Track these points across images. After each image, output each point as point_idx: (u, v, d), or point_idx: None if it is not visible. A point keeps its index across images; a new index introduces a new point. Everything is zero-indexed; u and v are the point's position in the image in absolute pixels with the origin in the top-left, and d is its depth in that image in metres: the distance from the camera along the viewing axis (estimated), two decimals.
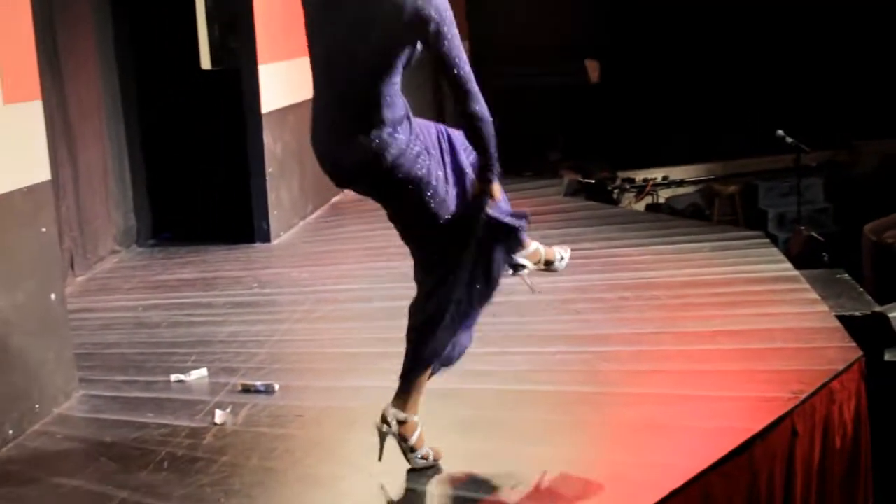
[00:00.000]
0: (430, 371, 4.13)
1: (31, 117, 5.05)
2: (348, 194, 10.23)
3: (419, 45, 3.61)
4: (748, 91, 12.40)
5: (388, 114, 3.63)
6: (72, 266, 7.51)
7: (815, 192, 12.46)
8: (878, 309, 6.31)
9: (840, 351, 5.19)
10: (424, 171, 3.73)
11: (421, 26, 3.50)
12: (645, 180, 12.45)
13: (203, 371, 5.46)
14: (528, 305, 5.93)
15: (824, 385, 4.79)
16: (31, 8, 5.10)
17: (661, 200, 12.58)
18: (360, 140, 3.63)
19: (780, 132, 10.15)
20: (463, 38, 3.81)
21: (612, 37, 12.64)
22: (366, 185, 3.89)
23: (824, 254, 9.18)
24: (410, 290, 6.53)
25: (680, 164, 12.51)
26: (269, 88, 8.50)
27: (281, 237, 8.63)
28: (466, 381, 4.74)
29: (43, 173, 5.10)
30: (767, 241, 7.85)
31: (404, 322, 5.97)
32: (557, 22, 12.12)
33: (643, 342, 5.58)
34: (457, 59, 3.56)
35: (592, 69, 12.74)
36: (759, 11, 12.34)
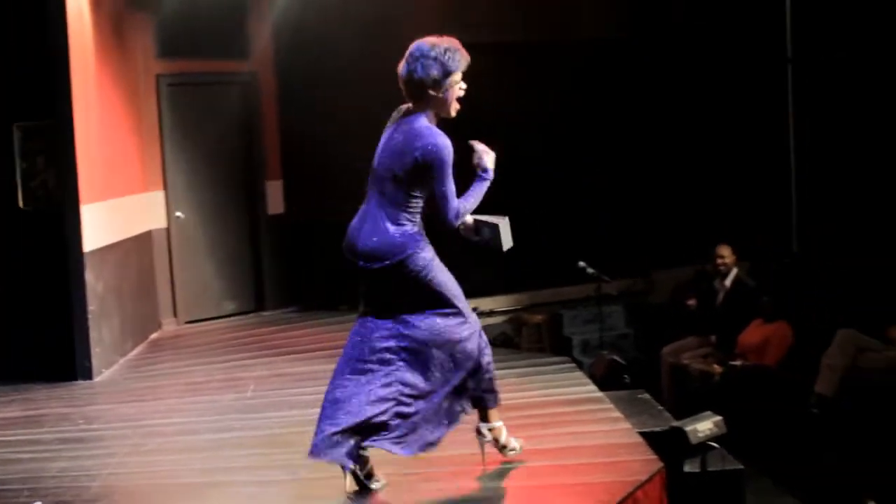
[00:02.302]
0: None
1: None
2: (165, 331, 10.33)
3: None
4: (551, 224, 12.76)
5: (410, 219, 5.10)
6: None
7: (617, 318, 12.88)
8: (675, 424, 6.70)
9: (643, 463, 5.60)
10: (430, 264, 5.20)
11: (426, 164, 5.00)
12: None
13: None
14: None
15: (629, 495, 5.16)
16: None
17: None
18: (389, 231, 5.04)
19: (582, 263, 10.65)
20: None
21: None
22: (378, 268, 5.06)
23: (626, 376, 9.59)
24: (235, 421, 6.69)
25: (489, 295, 12.77)
26: (92, 227, 8.60)
27: (102, 374, 8.69)
28: None
29: None
30: (573, 365, 8.31)
31: (234, 452, 6.13)
32: None
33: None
34: (444, 188, 5.09)
35: None
36: (557, 149, 12.79)
